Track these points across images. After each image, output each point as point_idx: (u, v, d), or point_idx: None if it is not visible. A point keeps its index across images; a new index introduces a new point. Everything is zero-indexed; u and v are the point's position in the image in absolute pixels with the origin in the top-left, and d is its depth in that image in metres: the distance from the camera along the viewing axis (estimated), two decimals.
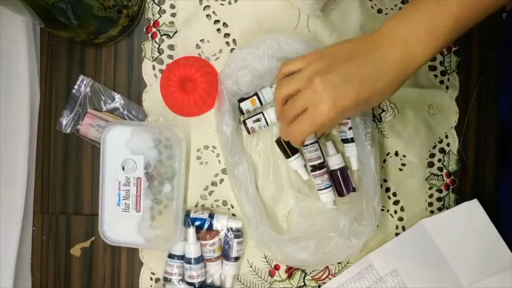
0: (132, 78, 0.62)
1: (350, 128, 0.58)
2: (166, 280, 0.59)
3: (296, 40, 0.55)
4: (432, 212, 0.61)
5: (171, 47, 0.61)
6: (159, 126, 0.59)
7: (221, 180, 0.61)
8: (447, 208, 0.60)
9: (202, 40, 0.61)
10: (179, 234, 0.57)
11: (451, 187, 0.61)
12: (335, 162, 0.59)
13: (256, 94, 0.58)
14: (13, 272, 0.58)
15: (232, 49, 0.61)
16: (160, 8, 0.61)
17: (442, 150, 0.61)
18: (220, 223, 0.58)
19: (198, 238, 0.58)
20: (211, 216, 0.58)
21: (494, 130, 0.61)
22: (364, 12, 0.60)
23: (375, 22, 0.60)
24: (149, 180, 0.58)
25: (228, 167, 0.58)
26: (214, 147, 0.61)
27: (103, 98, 0.61)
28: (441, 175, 0.61)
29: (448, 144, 0.61)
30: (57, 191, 0.62)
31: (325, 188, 0.58)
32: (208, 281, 0.59)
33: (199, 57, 0.61)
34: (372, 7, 0.61)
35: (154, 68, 0.61)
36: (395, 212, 0.61)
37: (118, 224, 0.58)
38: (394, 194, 0.61)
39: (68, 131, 0.61)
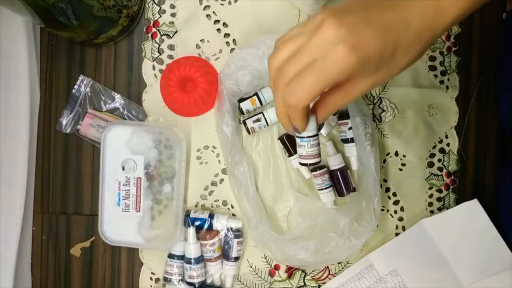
0: (132, 78, 0.62)
1: (350, 128, 0.58)
2: (166, 280, 0.59)
3: None
4: (432, 212, 0.61)
5: (171, 47, 0.61)
6: (159, 126, 0.59)
7: (221, 180, 0.61)
8: (447, 208, 0.60)
9: (202, 40, 0.61)
10: (179, 234, 0.57)
11: (451, 187, 0.61)
12: (335, 162, 0.59)
13: (256, 94, 0.58)
14: (13, 272, 0.58)
15: (232, 49, 0.61)
16: (160, 8, 0.61)
17: (442, 150, 0.61)
18: (220, 223, 0.58)
19: (198, 238, 0.58)
20: (211, 216, 0.58)
21: (494, 130, 0.61)
22: None
23: None
24: (149, 180, 0.58)
25: (228, 167, 0.58)
26: (214, 147, 0.61)
27: (103, 98, 0.61)
28: (441, 175, 0.61)
29: (448, 144, 0.61)
30: (57, 191, 0.62)
31: (326, 188, 0.58)
32: (208, 281, 0.59)
33: (199, 57, 0.61)
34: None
35: (154, 68, 0.61)
36: (395, 212, 0.61)
37: (118, 224, 0.58)
38: (394, 194, 0.61)
39: (68, 131, 0.61)
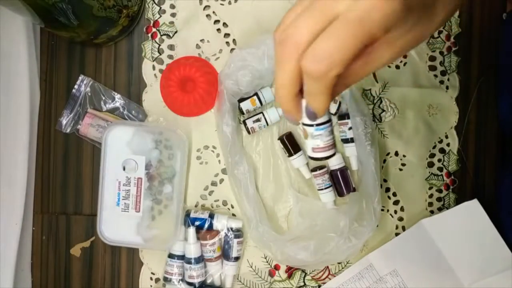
0: (132, 78, 0.62)
1: (350, 128, 0.58)
2: (166, 280, 0.59)
3: None
4: (432, 212, 0.61)
5: (171, 47, 0.61)
6: (161, 127, 0.59)
7: (221, 180, 0.61)
8: (447, 208, 0.60)
9: (202, 40, 0.61)
10: (178, 234, 0.57)
11: (451, 187, 0.61)
12: (335, 162, 0.59)
13: (256, 94, 0.58)
14: (13, 272, 0.58)
15: (232, 49, 0.61)
16: (160, 8, 0.61)
17: (442, 150, 0.61)
18: (220, 223, 0.58)
19: (198, 238, 0.58)
20: (211, 216, 0.58)
21: (494, 130, 0.61)
22: None
23: None
24: (149, 180, 0.58)
25: (228, 167, 0.58)
26: (214, 147, 0.61)
27: (103, 98, 0.61)
28: (441, 175, 0.61)
29: (448, 144, 0.61)
30: (57, 191, 0.62)
31: (326, 188, 0.58)
32: (208, 281, 0.59)
33: (199, 57, 0.61)
34: None
35: (154, 68, 0.61)
36: (395, 212, 0.61)
37: (117, 224, 0.58)
38: (394, 194, 0.61)
39: (68, 131, 0.61)
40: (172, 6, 0.61)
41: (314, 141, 0.35)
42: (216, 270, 0.59)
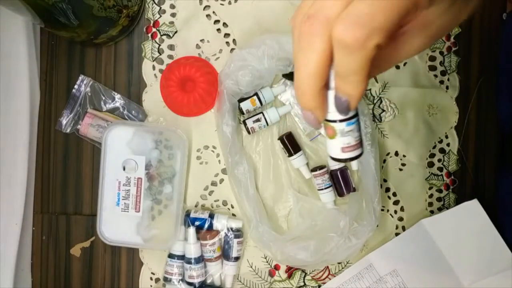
0: (132, 78, 0.62)
1: None
2: (166, 280, 0.59)
3: None
4: (432, 212, 0.61)
5: (171, 47, 0.61)
6: (161, 127, 0.59)
7: (221, 180, 0.61)
8: (447, 208, 0.60)
9: (202, 40, 0.61)
10: (178, 234, 0.57)
11: (451, 187, 0.61)
12: (335, 162, 0.59)
13: (256, 94, 0.58)
14: (13, 272, 0.58)
15: (232, 49, 0.61)
16: (160, 8, 0.61)
17: (442, 150, 0.61)
18: (220, 223, 0.58)
19: (198, 238, 0.58)
20: (211, 216, 0.58)
21: (494, 130, 0.61)
22: None
23: None
24: (149, 180, 0.58)
25: (228, 167, 0.58)
26: (214, 147, 0.61)
27: (103, 98, 0.61)
28: (441, 175, 0.61)
29: (448, 144, 0.61)
30: (57, 191, 0.62)
31: (326, 188, 0.58)
32: (208, 281, 0.59)
33: (199, 57, 0.60)
34: None
35: (154, 68, 0.61)
36: (395, 212, 0.61)
37: (116, 224, 0.58)
38: (394, 194, 0.61)
39: (68, 131, 0.61)
40: (172, 6, 0.61)
41: (344, 139, 0.29)
42: (216, 270, 0.59)
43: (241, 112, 0.59)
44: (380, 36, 0.23)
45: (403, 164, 0.61)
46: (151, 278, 0.61)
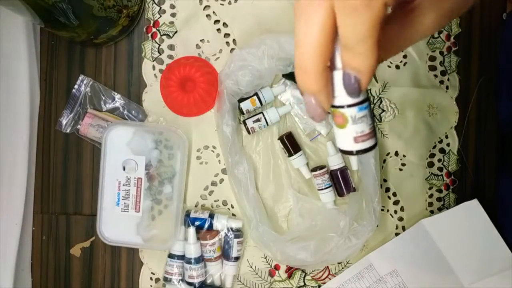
0: (132, 78, 0.62)
1: None
2: (166, 280, 0.59)
3: None
4: (432, 212, 0.61)
5: (171, 47, 0.61)
6: (161, 127, 0.59)
7: (221, 180, 0.61)
8: (447, 208, 0.60)
9: (202, 40, 0.61)
10: (178, 234, 0.57)
11: (451, 187, 0.61)
12: (335, 162, 0.59)
13: (256, 94, 0.58)
14: (13, 272, 0.58)
15: (232, 49, 0.61)
16: (160, 8, 0.61)
17: (442, 150, 0.61)
18: (220, 223, 0.58)
19: (198, 238, 0.58)
20: (211, 216, 0.58)
21: (494, 130, 0.61)
22: None
23: None
24: (149, 180, 0.58)
25: (228, 167, 0.58)
26: (214, 147, 0.61)
27: (103, 98, 0.61)
28: (441, 175, 0.61)
29: (448, 144, 0.61)
30: (57, 191, 0.62)
31: (326, 188, 0.58)
32: (208, 281, 0.59)
33: (199, 57, 0.61)
34: None
35: (154, 68, 0.61)
36: (395, 212, 0.61)
37: (116, 224, 0.58)
38: (394, 194, 0.61)
39: (68, 131, 0.61)
40: (172, 6, 0.61)
41: (357, 126, 0.25)
42: (216, 270, 0.59)
43: (241, 112, 0.59)
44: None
45: (403, 164, 0.61)
46: (151, 278, 0.61)
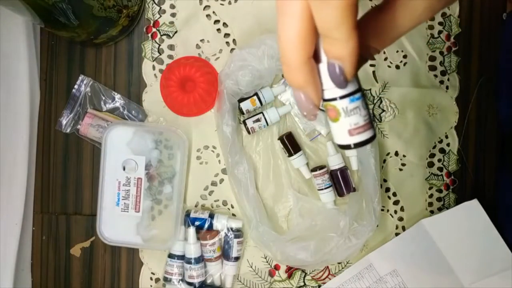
0: (132, 78, 0.62)
1: None
2: (166, 280, 0.59)
3: None
4: (432, 212, 0.61)
5: (171, 47, 0.61)
6: (161, 127, 0.59)
7: (221, 180, 0.61)
8: (447, 208, 0.60)
9: (202, 40, 0.61)
10: (178, 234, 0.57)
11: (451, 187, 0.61)
12: (335, 162, 0.59)
13: (256, 94, 0.58)
14: (13, 272, 0.58)
15: (232, 49, 0.61)
16: (160, 8, 0.61)
17: (442, 150, 0.61)
18: (220, 223, 0.58)
19: (198, 238, 0.58)
20: (211, 216, 0.58)
21: (494, 130, 0.61)
22: (364, 12, 0.60)
23: None
24: (149, 181, 0.58)
25: (228, 167, 0.58)
26: (214, 147, 0.61)
27: (103, 98, 0.61)
28: (441, 175, 0.61)
29: (448, 144, 0.61)
30: (57, 191, 0.62)
31: (326, 188, 0.58)
32: (208, 281, 0.59)
33: (199, 57, 0.61)
34: (372, 7, 0.61)
35: (154, 68, 0.61)
36: (395, 212, 0.61)
37: (116, 224, 0.58)
38: (394, 194, 0.61)
39: (68, 131, 0.61)
40: (172, 6, 0.61)
41: (350, 119, 0.25)
42: (216, 270, 0.59)
43: (241, 112, 0.59)
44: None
45: (403, 164, 0.61)
46: (151, 278, 0.61)
